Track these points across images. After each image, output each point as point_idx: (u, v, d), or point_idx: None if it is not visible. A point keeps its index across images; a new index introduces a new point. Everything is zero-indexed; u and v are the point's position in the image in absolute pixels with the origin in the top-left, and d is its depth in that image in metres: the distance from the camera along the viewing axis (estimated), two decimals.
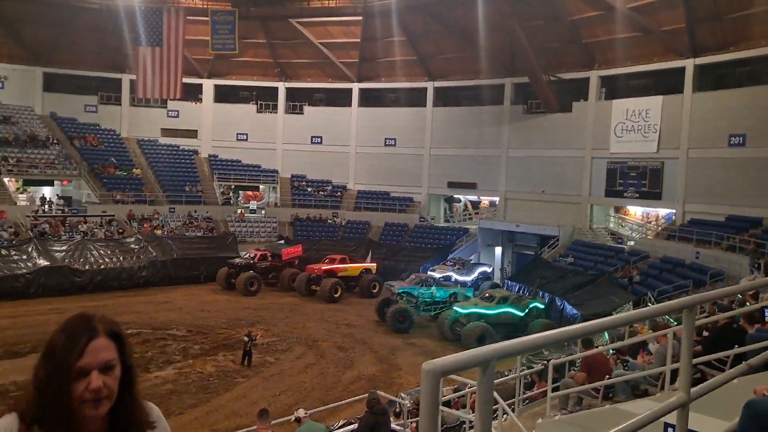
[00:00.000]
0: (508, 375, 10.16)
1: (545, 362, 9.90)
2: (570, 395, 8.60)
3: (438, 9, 32.75)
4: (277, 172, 39.00)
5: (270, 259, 29.09)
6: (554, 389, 8.21)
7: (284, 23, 37.34)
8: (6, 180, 30.93)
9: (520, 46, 30.71)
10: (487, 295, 22.73)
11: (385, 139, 37.83)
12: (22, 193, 32.14)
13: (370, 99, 39.47)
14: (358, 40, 36.98)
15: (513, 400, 8.80)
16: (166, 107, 39.45)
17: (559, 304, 23.83)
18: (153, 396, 14.87)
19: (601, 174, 30.79)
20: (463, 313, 21.31)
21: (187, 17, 35.88)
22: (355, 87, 38.90)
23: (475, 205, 39.22)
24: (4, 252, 25.00)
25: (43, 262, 25.31)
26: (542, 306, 22.63)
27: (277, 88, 40.28)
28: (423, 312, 23.16)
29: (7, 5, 35.03)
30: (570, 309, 22.92)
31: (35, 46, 37.40)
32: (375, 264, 29.29)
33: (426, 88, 37.38)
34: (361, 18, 35.90)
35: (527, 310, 21.80)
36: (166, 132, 39.75)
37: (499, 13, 29.53)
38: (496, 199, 35.61)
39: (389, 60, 37.09)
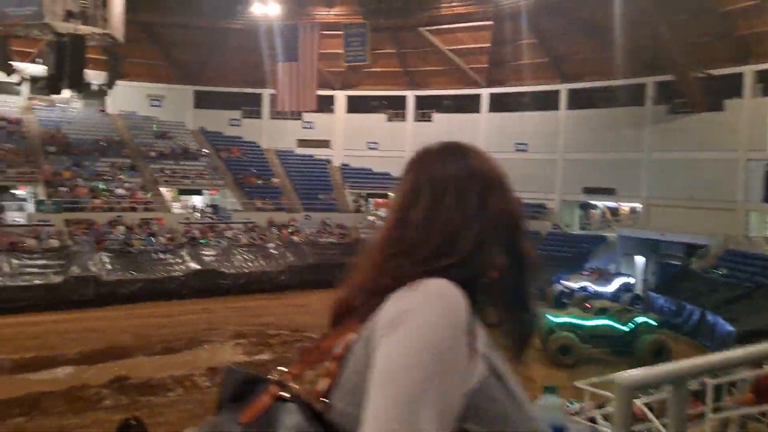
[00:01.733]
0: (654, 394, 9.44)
1: (701, 382, 9.08)
2: (731, 419, 7.84)
3: (572, 8, 31.58)
4: None
5: None
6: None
7: (414, 33, 37.86)
8: (163, 190, 33.95)
9: (663, 43, 28.77)
10: (587, 305, 21.37)
11: (515, 144, 36.98)
12: (176, 201, 35.08)
13: (499, 104, 38.84)
14: (488, 44, 36.58)
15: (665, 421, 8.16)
16: (301, 119, 41.35)
17: (710, 319, 21.91)
18: None
19: (759, 178, 28.01)
20: (556, 322, 20.07)
21: (321, 32, 37.45)
22: (485, 92, 38.48)
23: (614, 211, 37.18)
24: (162, 256, 27.40)
25: (194, 266, 27.39)
26: (654, 322, 20.46)
27: (406, 97, 40.88)
28: None
29: (164, 31, 38.69)
30: (723, 324, 20.99)
31: (187, 67, 40.88)
32: None
33: (558, 91, 36.13)
34: (491, 22, 35.52)
35: (632, 325, 19.91)
36: (302, 142, 41.68)
37: (640, 10, 27.89)
38: (638, 205, 33.55)
39: (519, 63, 36.31)
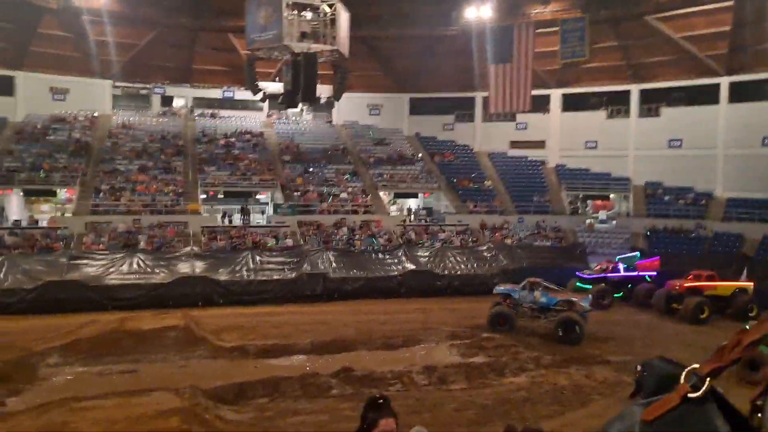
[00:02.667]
0: None
1: None
2: None
3: None
4: (628, 179, 36.77)
5: (623, 271, 27.39)
6: None
7: (638, 22, 35.20)
8: (381, 194, 35.76)
9: None
10: None
11: (764, 138, 32.34)
12: (393, 204, 36.71)
13: (742, 93, 34.22)
14: (728, 28, 32.56)
15: None
16: (514, 120, 40.71)
17: None
18: (508, 401, 15.20)
19: None
20: None
21: (536, 30, 36.50)
22: (724, 81, 34.26)
23: None
24: (381, 256, 28.82)
25: (410, 266, 28.33)
26: None
27: (629, 92, 38.09)
28: (531, 316, 21.34)
29: (382, 44, 40.92)
30: None
31: (402, 76, 42.74)
32: (752, 283, 25.12)
33: None
34: (731, 3, 31.59)
35: None
36: (515, 144, 41.06)
37: None
38: None
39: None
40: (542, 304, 21.45)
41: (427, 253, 29.59)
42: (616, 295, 26.62)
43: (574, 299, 21.53)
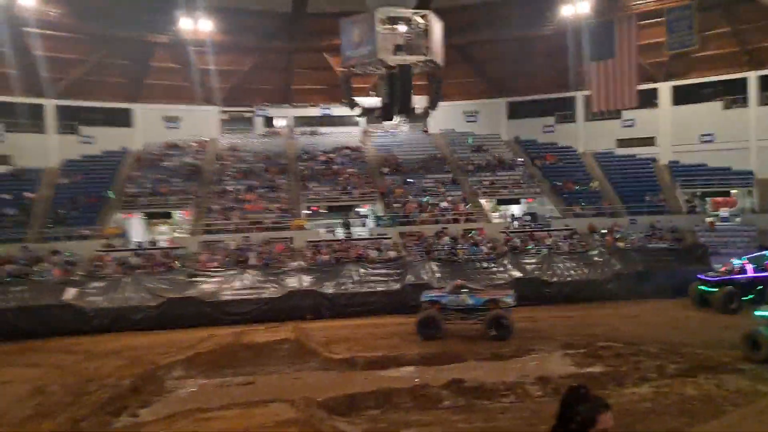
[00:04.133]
0: None
1: None
2: None
3: None
4: (752, 173, 34.00)
5: (752, 271, 25.22)
6: None
7: (752, 4, 32.66)
8: (482, 201, 35.17)
9: None
10: None
11: None
12: (495, 211, 35.99)
13: None
14: None
15: None
16: (620, 118, 38.90)
17: None
18: (631, 413, 14.30)
19: None
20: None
21: (639, 23, 34.76)
22: None
23: None
24: (485, 265, 28.27)
25: (517, 274, 27.57)
26: None
27: (746, 79, 35.35)
28: (461, 318, 21.42)
29: (476, 50, 40.53)
30: None
31: (499, 81, 42.07)
32: None
33: None
34: None
35: None
36: (622, 142, 39.21)
37: None
38: None
39: None
40: (470, 306, 21.52)
41: (533, 260, 28.70)
42: (745, 298, 24.55)
43: (497, 297, 21.69)
